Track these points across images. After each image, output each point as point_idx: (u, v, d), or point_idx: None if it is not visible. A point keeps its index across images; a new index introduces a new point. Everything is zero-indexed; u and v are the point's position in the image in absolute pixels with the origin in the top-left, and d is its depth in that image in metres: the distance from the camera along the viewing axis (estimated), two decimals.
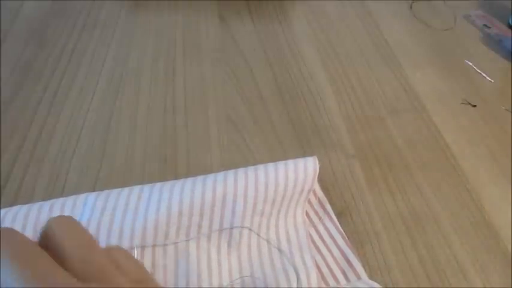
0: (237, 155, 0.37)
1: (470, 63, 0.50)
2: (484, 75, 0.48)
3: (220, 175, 0.31)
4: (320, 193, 0.34)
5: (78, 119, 0.38)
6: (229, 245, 0.30)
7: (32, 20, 0.48)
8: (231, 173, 0.31)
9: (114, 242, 0.28)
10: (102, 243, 0.27)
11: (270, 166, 0.32)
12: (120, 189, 0.31)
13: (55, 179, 0.34)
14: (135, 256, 0.28)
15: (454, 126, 0.42)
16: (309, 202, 0.34)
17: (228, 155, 0.37)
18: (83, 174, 0.34)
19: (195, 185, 0.30)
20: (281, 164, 0.32)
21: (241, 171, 0.31)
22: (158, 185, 0.31)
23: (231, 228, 0.30)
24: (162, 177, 0.35)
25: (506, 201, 0.36)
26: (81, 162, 0.35)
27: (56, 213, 0.29)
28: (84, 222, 0.28)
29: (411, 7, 0.58)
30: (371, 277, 0.30)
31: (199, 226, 0.30)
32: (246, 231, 0.30)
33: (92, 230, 0.28)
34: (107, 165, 0.35)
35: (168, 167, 0.35)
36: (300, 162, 0.32)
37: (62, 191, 0.33)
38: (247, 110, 0.41)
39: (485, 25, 0.56)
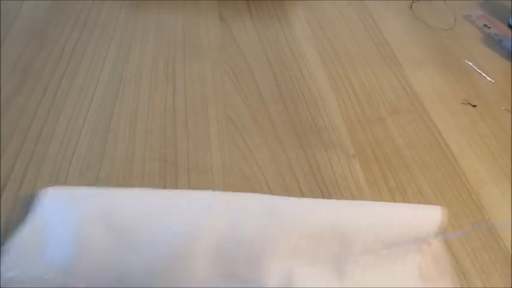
0: (237, 155, 0.37)
1: (470, 63, 0.50)
2: (484, 75, 0.48)
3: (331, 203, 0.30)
4: (439, 248, 0.31)
5: (78, 119, 0.38)
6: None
7: (32, 20, 0.48)
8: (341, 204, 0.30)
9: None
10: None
11: (385, 205, 0.31)
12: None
13: (55, 179, 0.33)
14: None
15: (454, 126, 0.42)
16: (423, 255, 0.30)
17: (228, 155, 0.37)
18: (83, 174, 0.34)
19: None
20: (399, 206, 0.31)
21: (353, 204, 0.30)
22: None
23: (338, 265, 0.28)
24: (162, 177, 0.35)
25: (506, 201, 0.36)
26: (81, 162, 0.35)
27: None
28: None
29: (411, 7, 0.58)
30: None
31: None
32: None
33: None
34: (107, 165, 0.35)
35: (168, 167, 0.35)
36: (421, 208, 0.31)
37: None
38: (247, 110, 0.41)
39: (485, 25, 0.56)
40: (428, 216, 0.30)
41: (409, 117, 0.42)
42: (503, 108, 0.45)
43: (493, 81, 0.48)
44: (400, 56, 0.50)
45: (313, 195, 0.34)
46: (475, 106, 0.44)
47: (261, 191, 0.34)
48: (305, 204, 0.31)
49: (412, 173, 0.37)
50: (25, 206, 0.30)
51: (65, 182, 0.33)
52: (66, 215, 0.28)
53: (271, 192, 0.34)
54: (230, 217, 0.29)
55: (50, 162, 0.35)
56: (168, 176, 0.35)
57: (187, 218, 0.28)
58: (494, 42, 0.54)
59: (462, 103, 0.45)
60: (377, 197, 0.35)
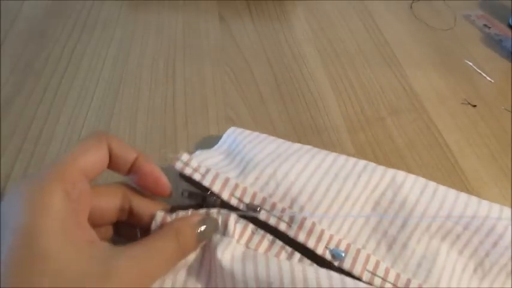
0: None
1: (470, 63, 0.50)
2: (484, 75, 0.48)
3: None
4: None
5: (78, 119, 0.38)
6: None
7: (32, 20, 0.48)
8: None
9: None
10: None
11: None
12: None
13: None
14: None
15: (454, 126, 0.42)
16: None
17: None
18: None
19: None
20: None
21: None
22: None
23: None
24: None
25: (507, 201, 0.36)
26: None
27: None
28: None
29: (411, 7, 0.58)
30: None
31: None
32: None
33: None
34: None
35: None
36: None
37: None
38: (247, 110, 0.41)
39: (485, 25, 0.56)
40: None
41: (409, 117, 0.42)
42: (503, 108, 0.45)
43: (493, 81, 0.48)
44: (400, 56, 0.50)
45: None
46: (475, 106, 0.44)
47: None
48: (463, 196, 0.31)
49: (412, 173, 0.37)
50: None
51: None
52: (249, 143, 0.32)
53: None
54: (392, 179, 0.30)
55: (50, 162, 0.35)
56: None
57: (351, 170, 0.30)
58: (494, 42, 0.54)
59: (462, 103, 0.45)
60: None
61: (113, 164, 0.25)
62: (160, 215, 0.26)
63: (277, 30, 0.51)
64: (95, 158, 0.24)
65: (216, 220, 0.26)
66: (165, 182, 0.26)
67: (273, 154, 0.30)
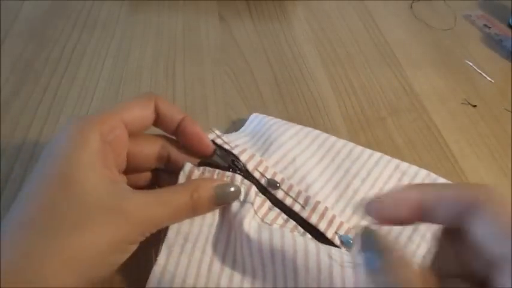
0: None
1: (470, 63, 0.50)
2: (484, 75, 0.48)
3: None
4: None
5: None
6: None
7: (32, 20, 0.48)
8: None
9: None
10: None
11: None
12: None
13: None
14: None
15: (454, 126, 0.42)
16: None
17: None
18: None
19: None
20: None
21: None
22: None
23: None
24: None
25: None
26: None
27: None
28: None
29: (411, 7, 0.58)
30: None
31: None
32: None
33: None
34: None
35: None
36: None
37: None
38: (247, 110, 0.41)
39: (485, 25, 0.56)
40: None
41: (409, 117, 0.42)
42: (503, 108, 0.45)
43: (493, 81, 0.48)
44: (400, 56, 0.50)
45: None
46: (475, 106, 0.44)
47: None
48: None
49: None
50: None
51: None
52: (273, 124, 0.34)
53: None
54: (402, 174, 0.34)
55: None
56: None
57: (363, 165, 0.33)
58: (494, 42, 0.54)
59: (462, 103, 0.45)
60: None
61: (160, 122, 0.28)
62: (188, 166, 0.27)
63: (277, 30, 0.51)
64: (139, 112, 0.26)
65: (238, 188, 0.27)
66: (208, 142, 0.29)
67: (294, 138, 0.33)
